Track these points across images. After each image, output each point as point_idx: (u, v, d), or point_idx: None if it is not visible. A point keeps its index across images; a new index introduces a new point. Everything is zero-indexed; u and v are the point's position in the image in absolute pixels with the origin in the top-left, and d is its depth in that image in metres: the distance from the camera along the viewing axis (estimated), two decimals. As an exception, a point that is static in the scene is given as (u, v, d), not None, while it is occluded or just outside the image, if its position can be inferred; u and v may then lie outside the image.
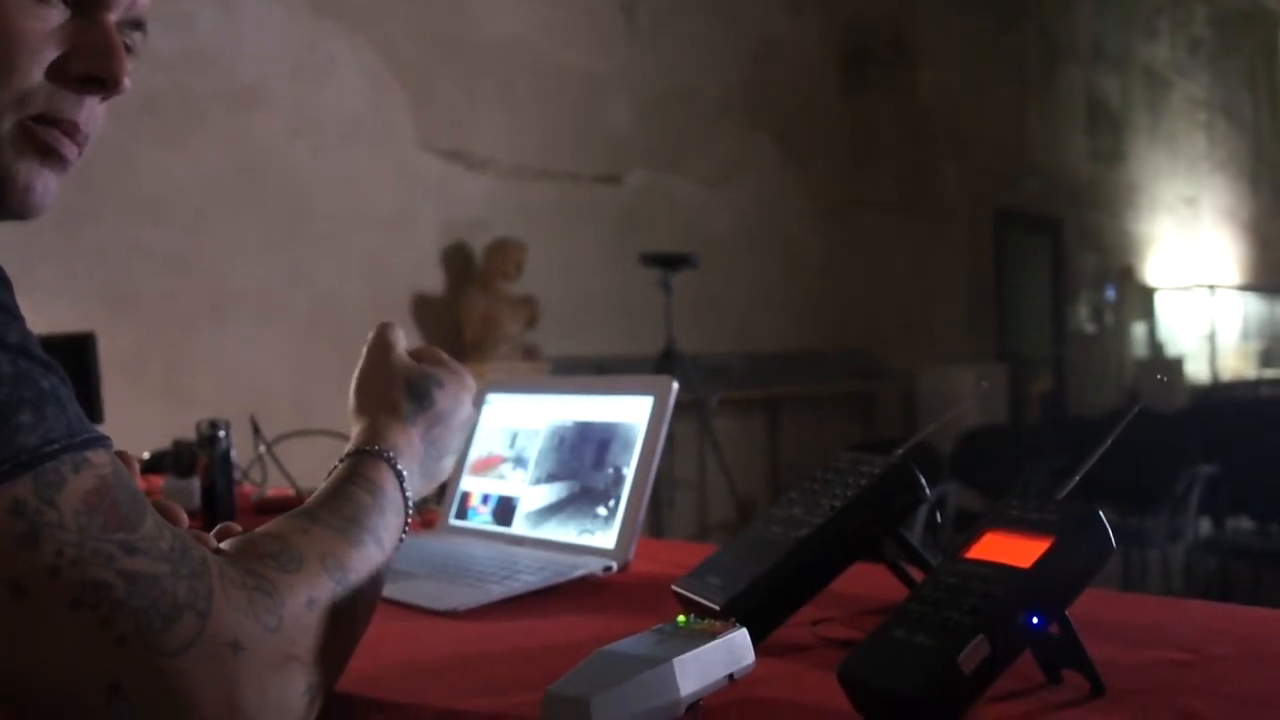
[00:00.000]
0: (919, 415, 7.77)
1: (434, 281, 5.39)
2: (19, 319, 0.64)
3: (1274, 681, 0.80)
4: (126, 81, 0.73)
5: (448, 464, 0.97)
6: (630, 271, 5.42)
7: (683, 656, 0.73)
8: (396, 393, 0.93)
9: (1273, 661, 0.85)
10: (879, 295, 7.56)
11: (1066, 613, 0.76)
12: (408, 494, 0.86)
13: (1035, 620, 0.72)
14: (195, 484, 1.65)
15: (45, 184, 0.73)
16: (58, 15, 0.71)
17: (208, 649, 0.64)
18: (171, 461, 1.72)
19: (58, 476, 0.62)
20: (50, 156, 0.72)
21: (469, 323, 5.28)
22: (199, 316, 4.55)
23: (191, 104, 4.47)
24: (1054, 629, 0.75)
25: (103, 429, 0.67)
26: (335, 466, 0.87)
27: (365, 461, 0.86)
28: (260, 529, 0.77)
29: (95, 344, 1.92)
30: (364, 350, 0.98)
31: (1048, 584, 0.73)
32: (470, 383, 0.99)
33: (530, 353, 5.38)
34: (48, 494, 0.61)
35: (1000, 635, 0.70)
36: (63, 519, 0.61)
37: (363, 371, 0.96)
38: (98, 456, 0.65)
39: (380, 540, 0.80)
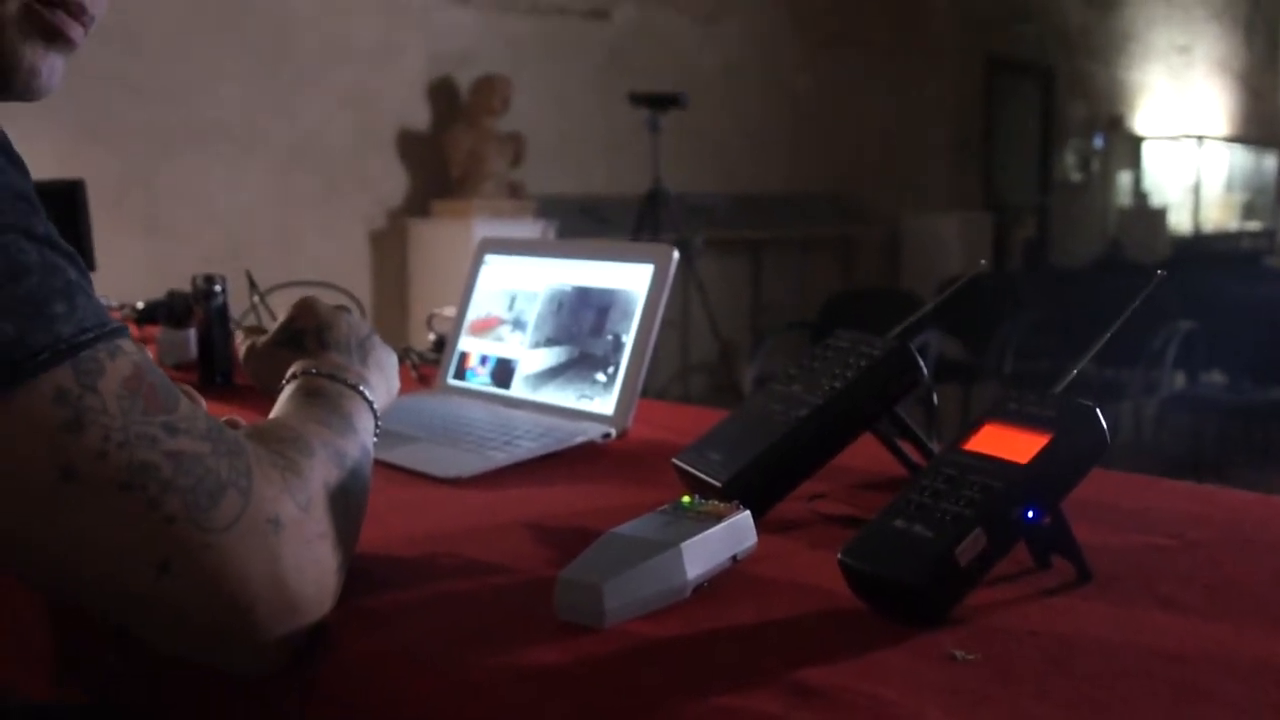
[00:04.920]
0: (902, 261, 7.78)
1: (419, 117, 5.30)
2: (40, 210, 0.65)
3: (1251, 568, 0.83)
4: None
5: (393, 378, 0.97)
6: (617, 109, 5.33)
7: (689, 541, 0.76)
8: (329, 336, 0.93)
9: (1251, 547, 0.88)
10: (866, 138, 7.48)
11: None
12: (370, 400, 0.88)
13: (1030, 514, 0.75)
14: (191, 335, 1.66)
15: (51, 67, 0.72)
16: None
17: (251, 525, 0.66)
18: (165, 312, 1.72)
19: (96, 364, 0.63)
20: (56, 39, 0.71)
21: (454, 159, 5.22)
22: (179, 148, 4.48)
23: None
24: (1047, 520, 0.77)
25: (95, 276, 0.68)
26: (289, 379, 0.88)
27: (317, 380, 0.87)
28: (265, 421, 0.80)
29: (85, 191, 1.91)
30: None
31: (1044, 480, 0.76)
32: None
33: (515, 190, 5.33)
34: (89, 380, 0.63)
35: (997, 528, 0.73)
36: (105, 404, 0.63)
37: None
38: (128, 344, 0.66)
39: (359, 432, 0.83)
